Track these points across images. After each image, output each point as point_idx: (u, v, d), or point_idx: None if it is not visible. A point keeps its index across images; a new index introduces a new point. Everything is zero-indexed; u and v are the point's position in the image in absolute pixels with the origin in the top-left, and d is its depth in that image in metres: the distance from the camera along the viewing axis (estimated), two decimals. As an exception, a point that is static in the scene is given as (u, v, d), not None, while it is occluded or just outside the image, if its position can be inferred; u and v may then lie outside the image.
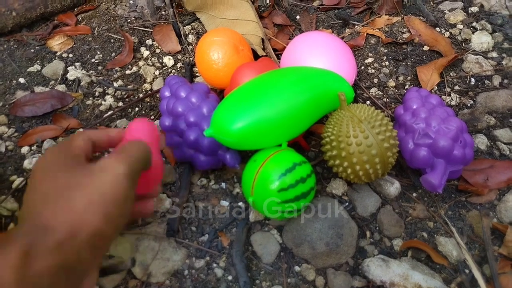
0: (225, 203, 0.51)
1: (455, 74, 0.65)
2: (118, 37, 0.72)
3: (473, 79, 0.65)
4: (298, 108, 0.46)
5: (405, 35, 0.71)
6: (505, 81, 0.64)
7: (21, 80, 0.65)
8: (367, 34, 0.72)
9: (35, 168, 0.31)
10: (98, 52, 0.70)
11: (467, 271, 0.47)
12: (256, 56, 0.66)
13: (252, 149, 0.47)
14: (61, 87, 0.64)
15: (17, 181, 0.53)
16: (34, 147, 0.57)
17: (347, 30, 0.73)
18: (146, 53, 0.69)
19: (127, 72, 0.66)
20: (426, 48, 0.69)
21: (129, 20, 0.75)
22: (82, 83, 0.65)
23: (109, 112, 0.61)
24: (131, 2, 0.76)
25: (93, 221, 0.28)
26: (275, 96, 0.46)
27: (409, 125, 0.51)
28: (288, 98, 0.46)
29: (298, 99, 0.47)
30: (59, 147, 0.32)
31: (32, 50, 0.70)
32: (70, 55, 0.69)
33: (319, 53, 0.55)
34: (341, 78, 0.52)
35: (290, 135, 0.48)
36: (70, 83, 0.65)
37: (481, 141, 0.57)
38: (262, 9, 0.76)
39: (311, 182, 0.45)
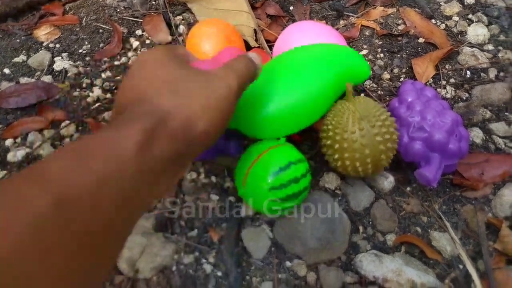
0: (215, 197, 0.50)
1: (450, 67, 0.64)
2: (107, 27, 0.70)
3: (468, 72, 0.64)
4: (319, 90, 0.46)
5: (400, 27, 0.70)
6: (501, 73, 0.63)
7: (6, 70, 0.63)
8: (362, 25, 0.70)
9: (139, 60, 0.32)
10: (86, 43, 0.68)
11: (461, 266, 0.46)
12: (248, 47, 0.64)
13: (273, 136, 0.46)
14: (47, 78, 0.62)
15: (1, 174, 0.51)
16: (18, 140, 0.55)
17: (342, 22, 0.71)
18: (135, 43, 0.67)
19: (116, 63, 0.65)
20: (421, 40, 0.68)
21: (118, 10, 0.73)
22: (69, 74, 0.63)
23: (97, 104, 0.59)
24: (120, -9, 0.74)
25: (206, 120, 0.29)
26: (295, 79, 0.45)
27: (404, 118, 0.50)
28: (309, 79, 0.46)
29: (319, 81, 0.46)
30: (162, 47, 0.33)
31: (18, 40, 0.68)
32: (57, 46, 0.67)
33: (313, 43, 0.53)
34: (356, 53, 0.52)
35: (315, 116, 0.47)
36: (56, 74, 0.63)
37: (476, 135, 0.56)
38: (255, -1, 0.75)
39: (305, 182, 0.43)
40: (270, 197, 0.42)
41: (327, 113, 0.48)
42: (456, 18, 0.71)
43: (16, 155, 0.53)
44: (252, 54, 0.37)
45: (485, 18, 0.71)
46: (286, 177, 0.42)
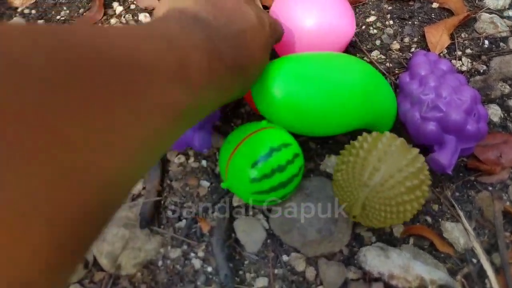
0: (205, 183, 0.45)
1: (467, 36, 0.58)
2: (88, -10, 0.63)
3: (486, 41, 0.57)
4: (344, 107, 0.39)
5: (411, -10, 0.63)
6: (522, 43, 0.57)
7: (-23, 40, 0.58)
8: (369, -12, 0.63)
9: None
10: (65, 8, 0.61)
11: (474, 260, 0.42)
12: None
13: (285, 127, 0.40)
14: (22, 49, 0.56)
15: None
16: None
17: (347, -16, 0.64)
18: (119, 9, 0.61)
19: (97, 31, 0.59)
20: (435, 5, 0.61)
21: (100, -29, 0.66)
22: (45, 44, 0.57)
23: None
24: (102, -50, 0.67)
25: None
26: (332, 81, 0.39)
27: (416, 96, 0.44)
28: (344, 90, 0.39)
29: (350, 99, 0.40)
30: None
31: (-10, 6, 0.62)
32: (33, 12, 0.61)
33: (312, 6, 0.47)
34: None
35: (327, 127, 0.40)
36: (32, 43, 0.57)
37: (494, 112, 0.51)
38: (252, -41, 0.67)
39: (293, 169, 0.38)
40: (253, 190, 0.37)
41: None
42: (474, -20, 0.64)
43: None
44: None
45: (506, -20, 0.64)
46: (268, 167, 0.37)
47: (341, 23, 0.48)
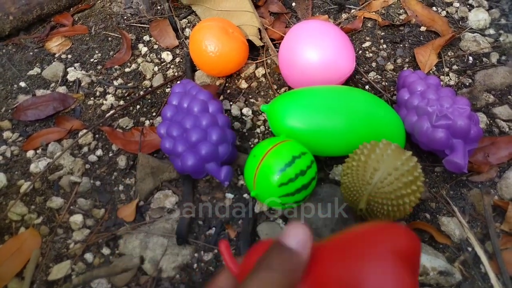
0: (230, 195, 0.52)
1: (453, 53, 0.65)
2: (115, 35, 0.72)
3: (471, 58, 0.65)
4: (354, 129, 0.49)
5: (401, 17, 0.71)
6: (503, 58, 0.64)
7: (22, 84, 0.66)
8: (364, 17, 0.71)
9: None
10: (97, 52, 0.70)
11: (470, 249, 0.48)
12: (252, 47, 0.66)
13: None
14: (62, 89, 0.65)
15: (25, 185, 0.54)
16: (39, 151, 0.58)
17: (343, 15, 0.73)
18: (144, 49, 0.69)
19: (127, 70, 0.67)
20: (423, 28, 0.69)
21: (125, 17, 0.75)
22: (82, 84, 0.65)
23: (111, 112, 0.61)
24: (125, -2, 0.76)
25: None
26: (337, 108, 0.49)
27: (422, 108, 0.50)
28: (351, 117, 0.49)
29: (358, 122, 0.49)
30: None
31: (31, 53, 0.70)
32: (69, 56, 0.70)
33: (318, 42, 0.55)
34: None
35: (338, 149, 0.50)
36: (70, 84, 0.66)
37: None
38: (257, -2, 0.76)
39: (311, 173, 0.46)
40: (281, 193, 0.44)
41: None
42: (456, 4, 0.72)
43: (38, 166, 0.55)
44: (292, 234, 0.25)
45: (485, 3, 0.71)
46: (293, 172, 0.44)
47: (342, 60, 0.55)
